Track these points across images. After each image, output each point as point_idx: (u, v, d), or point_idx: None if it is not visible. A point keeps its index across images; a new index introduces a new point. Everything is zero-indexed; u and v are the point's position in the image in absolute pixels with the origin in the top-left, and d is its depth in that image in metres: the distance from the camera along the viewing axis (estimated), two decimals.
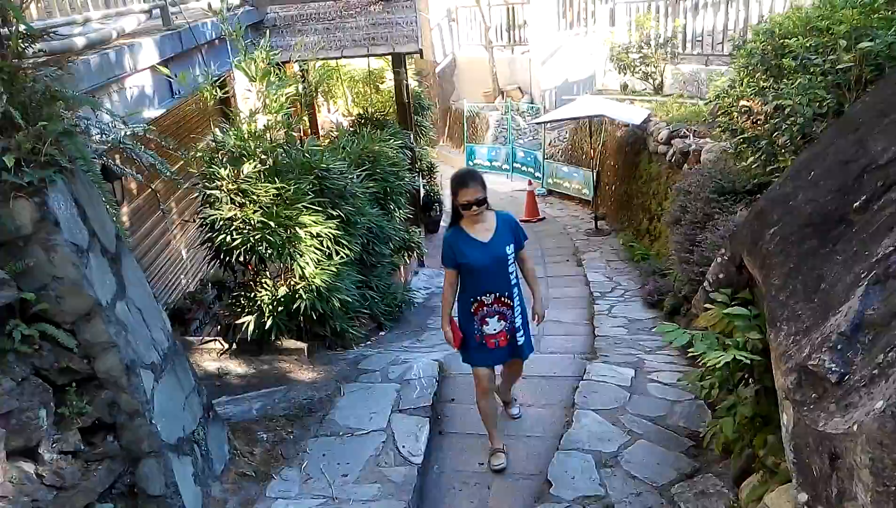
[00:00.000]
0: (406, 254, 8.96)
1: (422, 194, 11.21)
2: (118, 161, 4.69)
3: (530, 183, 14.52)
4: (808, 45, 6.10)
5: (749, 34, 7.93)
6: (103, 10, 5.29)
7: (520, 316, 4.00)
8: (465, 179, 3.79)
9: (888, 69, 5.52)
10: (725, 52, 11.60)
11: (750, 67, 7.00)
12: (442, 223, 12.82)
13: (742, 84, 7.17)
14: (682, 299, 7.29)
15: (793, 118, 5.89)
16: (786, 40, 6.37)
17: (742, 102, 7.19)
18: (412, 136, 10.55)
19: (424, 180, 11.87)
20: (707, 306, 3.52)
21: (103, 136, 3.39)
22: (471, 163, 17.24)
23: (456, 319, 4.08)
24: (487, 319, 3.93)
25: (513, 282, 3.92)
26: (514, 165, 16.28)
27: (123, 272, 3.38)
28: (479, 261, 3.82)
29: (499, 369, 4.37)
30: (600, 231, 12.40)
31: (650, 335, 7.16)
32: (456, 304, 4.06)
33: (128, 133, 3.52)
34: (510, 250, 3.85)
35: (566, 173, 14.55)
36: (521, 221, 13.61)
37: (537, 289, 4.06)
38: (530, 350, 4.20)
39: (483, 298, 3.90)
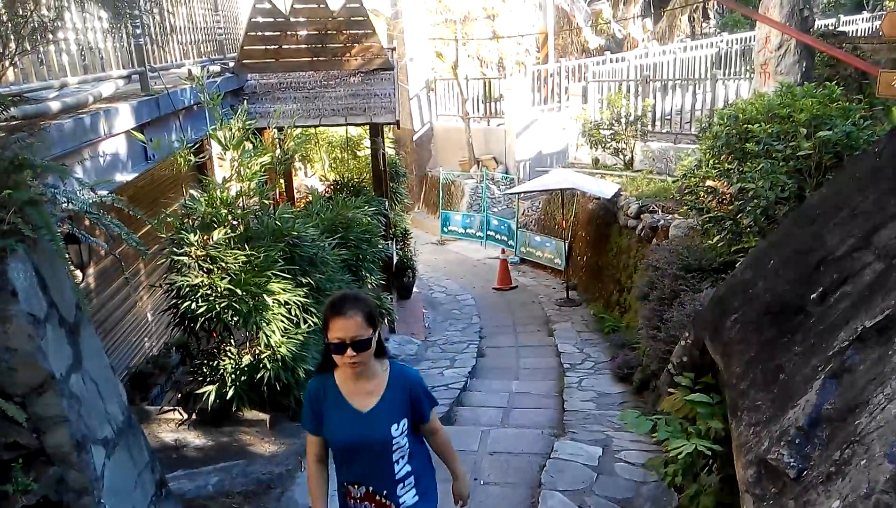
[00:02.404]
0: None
1: (395, 260, 11.21)
2: (84, 226, 4.66)
3: (503, 251, 14.64)
4: (770, 131, 6.35)
5: (715, 117, 8.24)
6: (81, 76, 5.34)
7: None
8: (342, 304, 2.53)
9: (846, 157, 5.77)
10: (693, 131, 12.00)
11: (715, 149, 7.24)
12: (415, 290, 12.82)
13: (708, 165, 7.41)
14: (650, 375, 7.31)
15: (756, 201, 6.08)
16: (749, 125, 6.62)
17: (708, 183, 7.42)
18: (387, 203, 10.63)
19: (398, 246, 11.90)
20: (671, 390, 3.53)
21: (70, 204, 3.36)
22: (446, 229, 17.43)
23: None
24: None
25: (400, 473, 2.64)
26: (488, 232, 16.44)
27: (81, 343, 3.30)
28: (344, 439, 2.60)
29: None
30: (572, 301, 12.48)
31: (619, 409, 7.14)
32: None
33: (94, 201, 3.50)
34: (398, 429, 2.59)
35: (539, 243, 14.71)
36: (494, 289, 13.79)
37: (457, 466, 2.86)
38: None
39: (351, 488, 2.67)
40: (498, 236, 16.12)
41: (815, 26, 12.99)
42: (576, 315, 11.79)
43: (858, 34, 18.60)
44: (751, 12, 12.94)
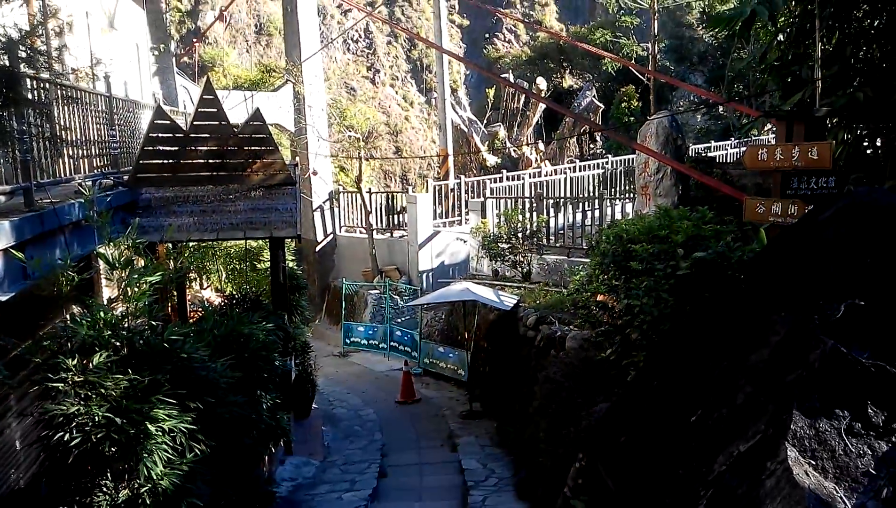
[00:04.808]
0: (272, 442, 8.48)
1: (293, 376, 10.86)
2: None
3: (406, 363, 14.52)
4: (651, 250, 6.77)
5: (602, 235, 8.72)
6: None
7: None
8: None
9: (720, 277, 6.20)
10: (584, 246, 12.64)
11: (603, 265, 7.62)
12: (315, 406, 12.40)
13: (598, 280, 7.77)
14: (552, 491, 7.27)
15: (642, 316, 6.38)
16: (632, 245, 7.05)
17: (599, 297, 7.76)
18: (287, 317, 10.42)
19: (297, 361, 11.57)
20: None
21: None
22: (348, 341, 17.19)
23: None
24: None
25: None
26: (392, 344, 16.33)
27: None
28: None
29: None
30: (475, 413, 12.41)
31: None
32: None
33: None
34: None
35: (442, 354, 14.71)
36: (397, 402, 13.54)
37: None
38: None
39: None
40: (401, 348, 16.03)
41: (690, 151, 14.25)
42: (479, 428, 11.70)
43: (727, 159, 20.56)
44: (630, 141, 14.07)
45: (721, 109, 25.98)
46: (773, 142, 7.91)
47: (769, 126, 19.13)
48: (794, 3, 7.66)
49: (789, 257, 4.05)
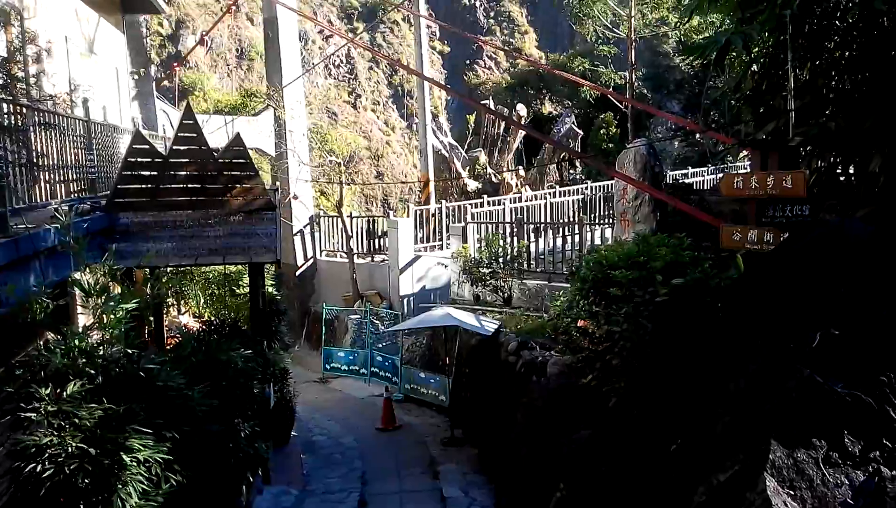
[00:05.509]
0: (250, 471, 8.34)
1: (272, 403, 10.71)
2: None
3: (387, 389, 14.40)
4: (630, 276, 6.81)
5: (583, 261, 8.77)
6: None
7: None
8: None
9: (697, 304, 6.24)
10: (565, 271, 12.69)
11: (584, 291, 7.65)
12: (294, 433, 12.24)
13: (578, 306, 7.79)
14: None
15: (622, 342, 6.40)
16: (612, 271, 7.10)
17: (580, 323, 7.78)
18: (266, 343, 10.31)
19: (276, 387, 11.41)
20: None
21: None
22: (328, 366, 17.04)
23: None
24: None
25: None
26: (372, 369, 16.21)
27: None
28: None
29: None
30: (457, 440, 12.31)
31: None
32: None
33: None
34: None
35: (423, 379, 14.63)
36: (378, 429, 13.39)
37: None
38: None
39: None
40: (382, 373, 15.91)
41: (668, 178, 14.44)
42: (461, 455, 11.61)
43: (704, 186, 20.80)
44: (608, 169, 14.22)
45: (698, 136, 26.37)
46: (748, 169, 8.03)
47: (744, 153, 19.41)
48: (767, 34, 7.83)
49: (765, 286, 4.11)
